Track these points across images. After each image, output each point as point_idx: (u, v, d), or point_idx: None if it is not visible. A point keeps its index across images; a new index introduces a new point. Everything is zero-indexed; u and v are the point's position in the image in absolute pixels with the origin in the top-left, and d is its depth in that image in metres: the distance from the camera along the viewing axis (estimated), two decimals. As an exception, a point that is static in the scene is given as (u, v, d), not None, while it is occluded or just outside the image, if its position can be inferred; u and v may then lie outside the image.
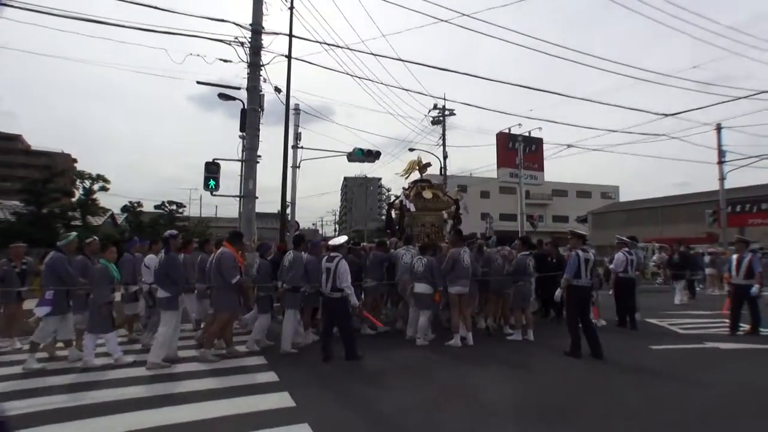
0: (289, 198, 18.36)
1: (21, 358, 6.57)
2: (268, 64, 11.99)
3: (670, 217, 42.06)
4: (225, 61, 11.76)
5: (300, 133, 18.48)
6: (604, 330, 9.05)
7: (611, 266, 10.03)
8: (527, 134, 28.82)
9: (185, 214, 39.97)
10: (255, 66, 12.01)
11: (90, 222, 25.91)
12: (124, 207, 29.94)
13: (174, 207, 31.68)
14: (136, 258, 8.00)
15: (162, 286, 6.69)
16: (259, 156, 12.04)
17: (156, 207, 31.39)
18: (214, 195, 11.85)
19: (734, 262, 8.94)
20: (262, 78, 12.14)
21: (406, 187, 12.11)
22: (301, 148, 18.39)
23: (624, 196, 58.20)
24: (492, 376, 5.79)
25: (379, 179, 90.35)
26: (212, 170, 11.58)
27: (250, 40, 11.87)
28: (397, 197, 12.29)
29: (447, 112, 29.86)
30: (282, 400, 4.91)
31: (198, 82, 11.91)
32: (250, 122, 11.90)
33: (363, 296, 8.77)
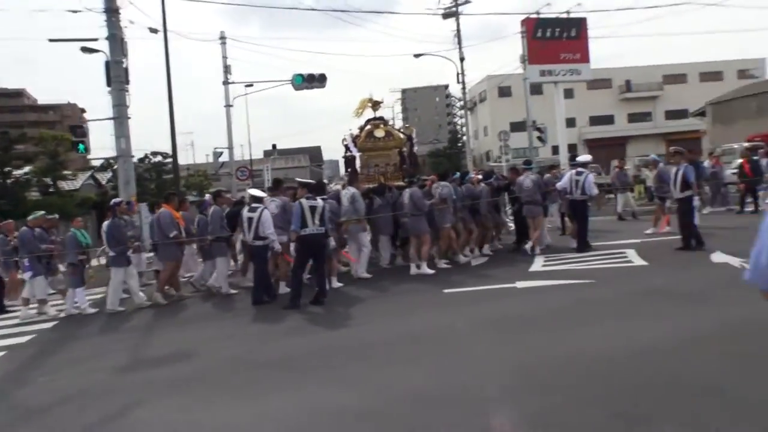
0: (225, 142, 20.82)
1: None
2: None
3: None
4: (74, 11, 13.88)
5: (229, 66, 20.62)
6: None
7: (557, 186, 12.24)
8: (565, 14, 28.17)
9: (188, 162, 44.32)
10: (112, 11, 14.06)
11: (62, 187, 30.28)
12: (101, 165, 34.26)
13: (159, 158, 35.50)
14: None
15: (110, 246, 9.89)
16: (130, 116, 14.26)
17: (139, 160, 35.41)
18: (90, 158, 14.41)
19: (672, 176, 10.62)
20: (123, 24, 14.22)
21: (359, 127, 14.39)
22: (232, 83, 20.63)
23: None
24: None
25: (446, 86, 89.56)
26: (79, 134, 14.19)
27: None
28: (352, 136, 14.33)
29: (462, 1, 29.83)
30: None
31: (50, 40, 14.22)
32: (114, 76, 14.10)
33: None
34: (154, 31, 15.39)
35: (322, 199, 10.13)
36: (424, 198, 10.81)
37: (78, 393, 5.59)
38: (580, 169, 11.57)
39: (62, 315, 9.93)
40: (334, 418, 4.27)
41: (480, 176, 13.50)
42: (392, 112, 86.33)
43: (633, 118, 55.78)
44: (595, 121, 53.96)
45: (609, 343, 5.55)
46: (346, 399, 4.64)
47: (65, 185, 30.47)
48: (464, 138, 58.69)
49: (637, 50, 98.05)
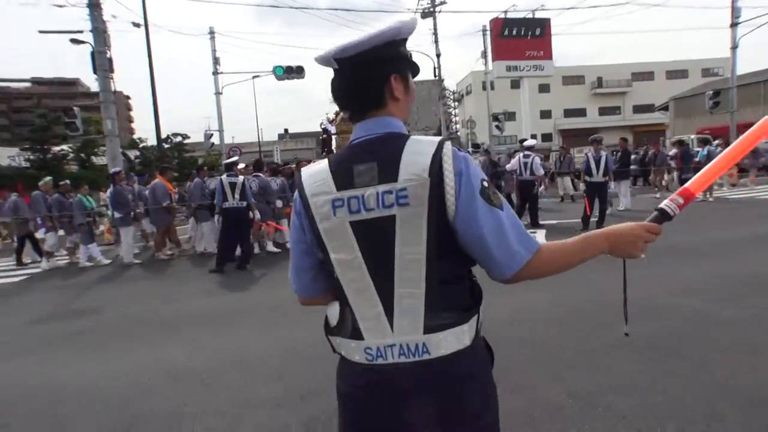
0: (215, 125, 21.44)
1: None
2: None
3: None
4: (59, 6, 14.42)
5: (218, 58, 21.16)
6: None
7: (507, 167, 12.67)
8: (530, 15, 28.06)
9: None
10: (95, 6, 14.61)
11: (94, 163, 31.42)
12: (129, 143, 35.24)
13: (179, 138, 36.47)
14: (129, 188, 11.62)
15: (116, 209, 10.67)
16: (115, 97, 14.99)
17: (163, 140, 36.25)
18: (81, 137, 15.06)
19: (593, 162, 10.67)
20: (108, 16, 14.80)
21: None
22: (221, 73, 21.20)
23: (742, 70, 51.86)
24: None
25: (441, 80, 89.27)
26: (70, 115, 14.91)
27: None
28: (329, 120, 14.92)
29: (438, 1, 29.77)
30: None
31: (40, 32, 14.91)
32: (99, 65, 14.76)
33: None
34: (137, 25, 15.92)
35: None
36: None
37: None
38: (527, 152, 11.41)
39: (79, 265, 10.68)
40: (155, 376, 4.26)
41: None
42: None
43: (603, 111, 56.09)
44: (569, 113, 53.92)
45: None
46: (180, 359, 4.58)
47: (97, 160, 31.59)
48: (450, 125, 59.04)
49: (606, 49, 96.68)
